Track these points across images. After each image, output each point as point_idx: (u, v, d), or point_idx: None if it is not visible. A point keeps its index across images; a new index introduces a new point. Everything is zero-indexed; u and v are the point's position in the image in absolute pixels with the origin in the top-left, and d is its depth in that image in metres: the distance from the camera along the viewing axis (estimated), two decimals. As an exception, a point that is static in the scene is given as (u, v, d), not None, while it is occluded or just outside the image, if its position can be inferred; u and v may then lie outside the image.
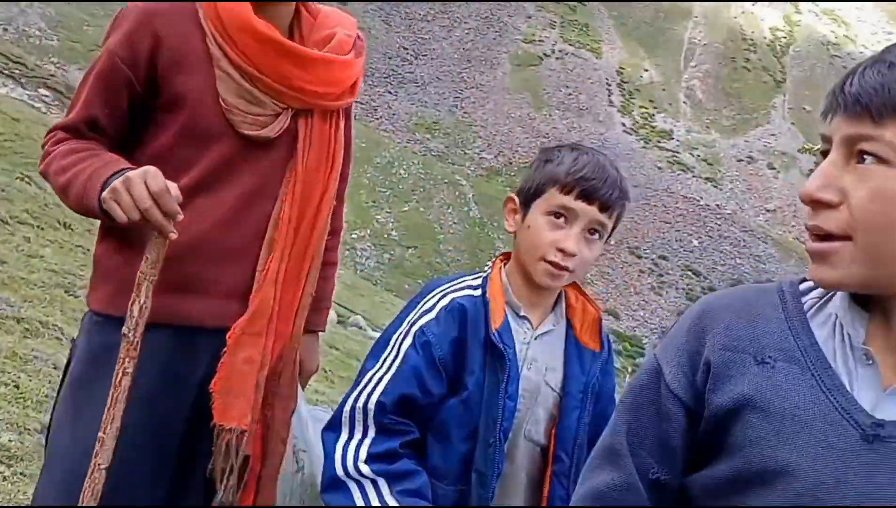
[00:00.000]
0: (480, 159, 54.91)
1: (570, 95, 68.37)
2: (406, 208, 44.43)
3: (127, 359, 1.33)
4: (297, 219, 1.51)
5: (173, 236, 1.34)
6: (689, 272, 49.60)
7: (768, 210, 63.45)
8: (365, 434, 1.41)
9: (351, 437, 1.42)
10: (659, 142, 67.62)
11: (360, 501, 1.38)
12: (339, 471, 1.41)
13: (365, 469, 1.39)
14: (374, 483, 1.39)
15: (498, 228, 47.62)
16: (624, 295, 44.34)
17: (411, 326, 1.47)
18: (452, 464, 1.44)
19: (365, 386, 1.44)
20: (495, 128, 59.50)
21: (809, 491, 0.80)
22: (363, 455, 1.40)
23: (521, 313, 1.50)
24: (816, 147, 0.89)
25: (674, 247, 52.13)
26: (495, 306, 1.47)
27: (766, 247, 56.34)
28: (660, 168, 63.15)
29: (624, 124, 68.11)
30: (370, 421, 1.41)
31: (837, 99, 0.82)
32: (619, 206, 1.50)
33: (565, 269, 1.44)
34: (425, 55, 65.97)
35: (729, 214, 59.48)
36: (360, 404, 1.43)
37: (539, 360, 1.49)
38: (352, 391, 1.46)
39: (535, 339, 1.50)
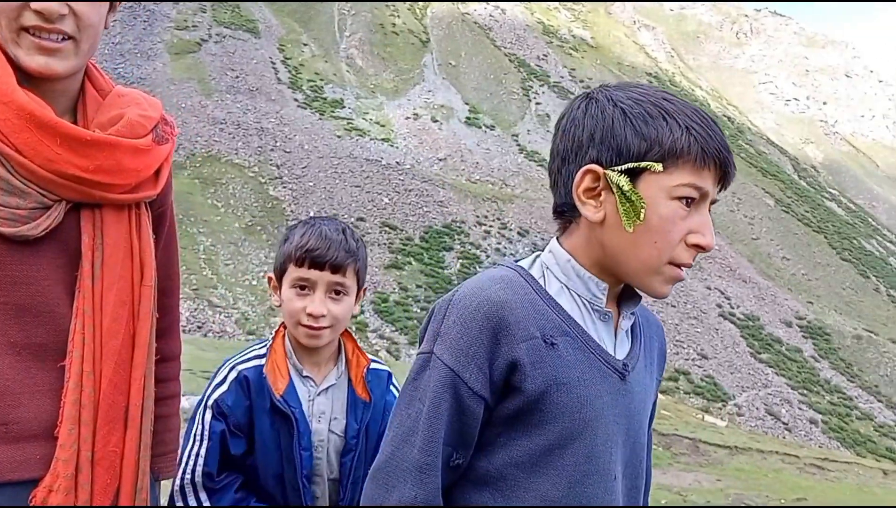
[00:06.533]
0: (161, 156, 52.46)
1: (237, 77, 67.67)
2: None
3: None
4: (97, 343, 1.24)
5: None
6: (387, 228, 53.20)
7: (440, 159, 69.40)
8: (200, 502, 1.58)
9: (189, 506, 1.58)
10: (333, 112, 70.27)
11: None
12: None
13: None
14: None
15: (195, 222, 46.71)
16: (333, 261, 46.29)
17: (207, 399, 1.61)
18: (276, 494, 1.62)
19: (187, 463, 1.59)
20: (168, 121, 57.13)
21: (604, 433, 1.05)
22: None
23: (304, 374, 1.66)
24: (681, 195, 1.01)
25: (368, 207, 55.31)
26: (277, 373, 1.62)
27: (445, 192, 62.15)
28: (339, 136, 65.84)
29: (297, 100, 69.48)
30: (200, 490, 1.58)
31: (727, 164, 1.04)
32: (350, 263, 1.64)
33: (320, 328, 1.61)
34: (70, 54, 60.16)
35: (408, 168, 64.37)
36: (187, 479, 1.58)
37: (326, 412, 1.66)
38: (176, 471, 1.57)
39: (319, 395, 1.66)
